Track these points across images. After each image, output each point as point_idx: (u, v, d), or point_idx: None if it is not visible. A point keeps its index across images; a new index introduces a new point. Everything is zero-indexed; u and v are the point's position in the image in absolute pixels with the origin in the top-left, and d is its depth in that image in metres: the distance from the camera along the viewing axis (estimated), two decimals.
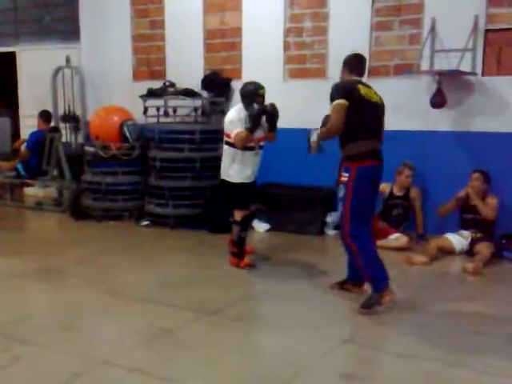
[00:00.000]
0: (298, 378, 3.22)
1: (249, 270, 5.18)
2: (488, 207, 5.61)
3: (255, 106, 4.94)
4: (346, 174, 4.17)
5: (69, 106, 8.28)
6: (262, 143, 5.19)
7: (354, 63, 4.43)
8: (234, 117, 5.04)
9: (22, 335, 3.75)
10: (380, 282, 4.18)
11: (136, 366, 3.34)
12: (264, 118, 4.97)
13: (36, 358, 3.45)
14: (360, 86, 4.22)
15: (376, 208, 6.08)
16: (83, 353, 3.50)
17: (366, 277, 4.29)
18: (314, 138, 4.27)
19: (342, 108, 4.09)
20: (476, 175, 5.70)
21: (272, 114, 4.92)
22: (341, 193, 4.24)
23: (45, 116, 8.24)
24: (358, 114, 4.13)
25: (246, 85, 5.18)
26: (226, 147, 5.17)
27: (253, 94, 5.03)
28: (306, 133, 4.33)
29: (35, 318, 4.11)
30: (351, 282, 4.58)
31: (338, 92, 4.15)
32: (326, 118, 4.31)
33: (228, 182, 5.21)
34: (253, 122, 4.90)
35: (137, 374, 3.25)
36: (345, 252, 4.51)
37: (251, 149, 5.09)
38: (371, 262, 4.19)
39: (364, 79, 6.43)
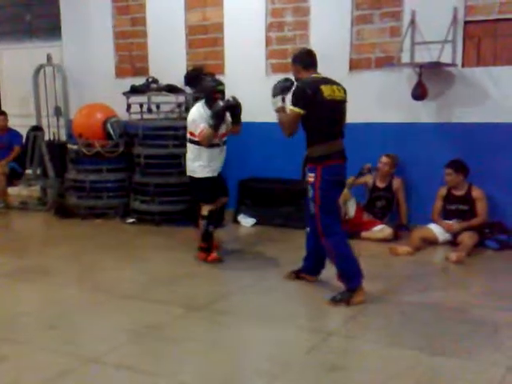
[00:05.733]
0: (287, 372, 3.25)
1: (216, 264, 5.21)
2: (480, 210, 5.70)
3: (220, 103, 4.98)
4: (312, 175, 4.18)
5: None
6: (224, 139, 5.28)
7: (307, 58, 4.31)
8: (195, 115, 5.11)
9: (8, 334, 3.75)
10: (352, 279, 4.20)
11: (124, 362, 3.35)
12: (227, 113, 5.08)
13: (22, 356, 3.44)
14: (323, 87, 4.11)
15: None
16: (70, 351, 3.50)
17: (339, 274, 4.28)
18: (279, 103, 4.22)
19: (296, 117, 4.11)
20: (446, 171, 5.79)
21: (235, 106, 5.02)
22: (309, 193, 4.24)
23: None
24: (323, 117, 4.13)
25: (206, 81, 5.30)
26: (189, 145, 5.22)
27: (211, 90, 5.11)
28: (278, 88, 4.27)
29: (21, 317, 4.10)
30: (305, 273, 4.69)
31: (300, 98, 4.08)
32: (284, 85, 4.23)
33: (193, 177, 5.26)
34: (216, 120, 4.96)
35: (125, 371, 3.25)
36: (305, 245, 4.63)
37: (216, 145, 5.17)
38: (345, 259, 4.22)
39: (346, 73, 6.55)
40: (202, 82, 5.30)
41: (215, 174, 5.27)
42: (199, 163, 5.17)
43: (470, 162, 5.82)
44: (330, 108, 4.15)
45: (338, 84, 4.28)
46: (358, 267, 4.22)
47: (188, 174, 5.33)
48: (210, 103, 5.08)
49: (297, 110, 4.08)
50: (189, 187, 5.66)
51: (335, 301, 4.17)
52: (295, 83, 4.24)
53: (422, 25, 6.04)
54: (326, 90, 4.12)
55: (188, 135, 5.23)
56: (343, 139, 4.29)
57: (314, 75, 4.25)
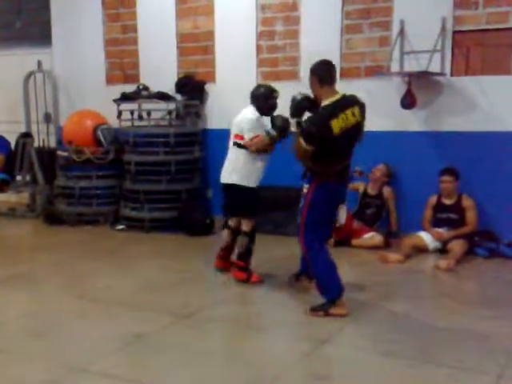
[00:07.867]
0: (277, 380, 3.24)
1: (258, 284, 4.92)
2: (469, 220, 5.74)
3: (282, 118, 4.64)
4: (307, 186, 4.16)
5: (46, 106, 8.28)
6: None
7: (323, 72, 4.12)
8: (252, 120, 4.70)
9: None
10: (331, 292, 4.16)
11: (112, 372, 3.32)
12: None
13: (9, 366, 3.41)
14: (334, 122, 3.93)
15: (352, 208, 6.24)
16: (57, 360, 3.48)
17: (317, 285, 4.27)
18: (293, 128, 4.14)
19: (305, 153, 4.02)
20: (443, 178, 5.81)
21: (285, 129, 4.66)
22: (300, 204, 4.24)
23: None
24: (331, 151, 4.05)
25: (259, 86, 4.99)
26: (235, 149, 4.79)
27: (266, 95, 4.77)
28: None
29: (8, 325, 4.07)
30: (304, 275, 4.68)
31: (308, 136, 3.95)
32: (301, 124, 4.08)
33: (237, 186, 4.79)
34: (279, 134, 4.64)
35: (112, 381, 3.23)
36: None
37: (265, 151, 4.78)
38: (322, 272, 4.20)
39: (335, 82, 6.53)
40: (256, 87, 4.93)
41: (257, 185, 4.88)
42: (245, 170, 4.74)
43: (459, 171, 5.86)
44: (341, 141, 4.02)
45: (354, 103, 4.12)
46: (338, 283, 4.17)
47: (227, 181, 4.84)
48: (262, 110, 4.76)
49: (307, 147, 3.98)
50: (229, 197, 5.00)
51: (314, 310, 4.17)
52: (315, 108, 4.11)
53: (411, 34, 6.08)
54: (336, 125, 3.95)
55: (234, 139, 4.80)
56: (350, 161, 4.25)
57: (330, 99, 4.06)
